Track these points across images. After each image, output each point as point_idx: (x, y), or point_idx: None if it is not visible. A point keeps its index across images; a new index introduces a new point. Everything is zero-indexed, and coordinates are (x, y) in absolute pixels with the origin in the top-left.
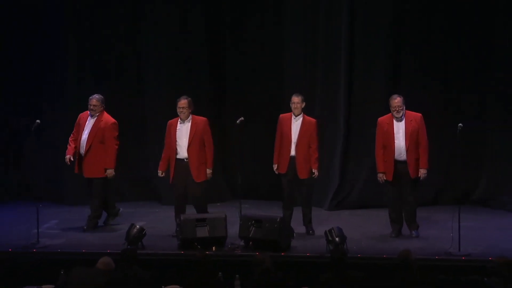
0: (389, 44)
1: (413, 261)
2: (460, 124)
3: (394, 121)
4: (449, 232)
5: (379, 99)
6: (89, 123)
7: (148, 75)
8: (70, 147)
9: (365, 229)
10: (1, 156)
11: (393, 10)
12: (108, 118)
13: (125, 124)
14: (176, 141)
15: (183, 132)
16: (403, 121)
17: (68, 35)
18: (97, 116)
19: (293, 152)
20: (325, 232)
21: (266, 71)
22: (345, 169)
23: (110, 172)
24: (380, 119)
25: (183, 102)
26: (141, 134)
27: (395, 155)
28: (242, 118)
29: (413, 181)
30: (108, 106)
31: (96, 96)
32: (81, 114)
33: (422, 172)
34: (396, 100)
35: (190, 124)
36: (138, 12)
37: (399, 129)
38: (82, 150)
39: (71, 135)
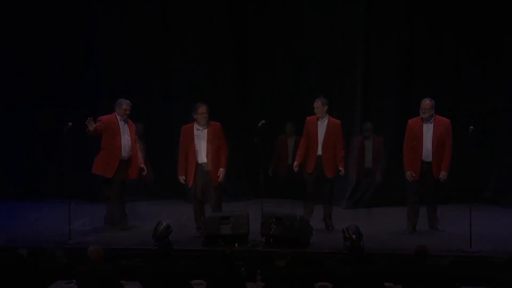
0: (403, 52)
1: (429, 256)
2: (471, 127)
3: (424, 124)
4: (460, 230)
5: (393, 104)
6: (123, 127)
7: (176, 81)
8: (96, 124)
9: (380, 226)
10: (39, 156)
11: (405, 17)
12: (130, 120)
13: (155, 126)
14: (195, 146)
15: (201, 137)
16: (432, 125)
17: (101, 44)
18: (127, 120)
19: (319, 152)
20: (343, 230)
21: (287, 76)
22: (362, 170)
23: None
24: (410, 121)
25: (204, 108)
26: (169, 135)
27: (423, 156)
28: (264, 121)
29: (435, 181)
30: (140, 112)
31: (128, 101)
32: (106, 118)
33: (443, 174)
34: (425, 103)
35: (207, 130)
36: (166, 21)
37: (428, 132)
38: (125, 154)
39: (99, 120)
